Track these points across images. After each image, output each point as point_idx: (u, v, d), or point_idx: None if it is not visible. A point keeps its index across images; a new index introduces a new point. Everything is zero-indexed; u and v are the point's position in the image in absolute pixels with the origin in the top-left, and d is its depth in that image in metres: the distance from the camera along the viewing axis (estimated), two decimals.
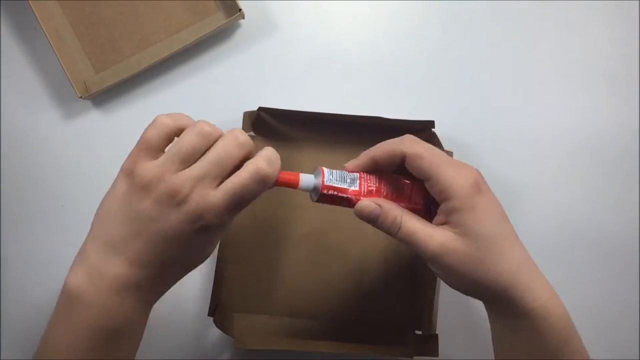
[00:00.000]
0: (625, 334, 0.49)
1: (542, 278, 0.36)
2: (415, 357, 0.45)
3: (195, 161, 0.33)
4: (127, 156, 0.35)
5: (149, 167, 0.33)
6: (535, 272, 0.36)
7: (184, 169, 0.33)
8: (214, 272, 0.47)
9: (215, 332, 0.48)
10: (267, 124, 0.49)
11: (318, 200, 0.36)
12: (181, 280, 0.37)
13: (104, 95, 0.51)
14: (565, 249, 0.50)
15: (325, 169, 0.36)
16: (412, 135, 0.37)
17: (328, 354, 0.47)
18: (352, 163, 0.38)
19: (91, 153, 0.51)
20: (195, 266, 0.36)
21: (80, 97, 0.48)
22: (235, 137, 0.34)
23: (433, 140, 0.47)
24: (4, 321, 0.50)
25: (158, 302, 0.37)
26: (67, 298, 0.35)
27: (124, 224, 0.34)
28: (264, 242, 0.49)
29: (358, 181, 0.37)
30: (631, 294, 0.50)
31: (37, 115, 0.51)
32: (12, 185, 0.51)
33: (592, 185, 0.50)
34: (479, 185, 0.35)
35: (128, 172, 0.34)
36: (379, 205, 0.36)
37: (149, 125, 0.35)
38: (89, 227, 0.51)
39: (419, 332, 0.48)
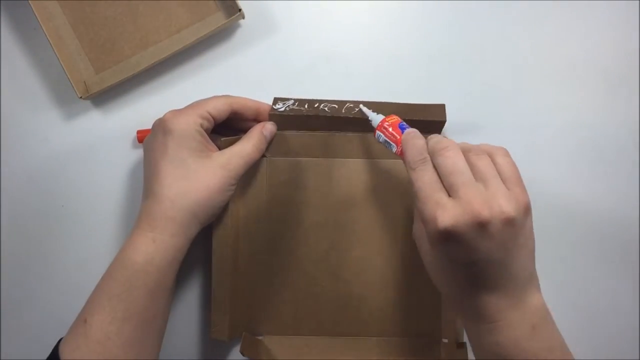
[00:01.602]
0: (625, 333, 0.49)
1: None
2: None
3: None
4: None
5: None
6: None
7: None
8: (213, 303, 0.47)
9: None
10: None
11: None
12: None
13: (104, 95, 0.51)
14: (563, 247, 0.50)
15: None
16: (438, 136, 0.39)
17: None
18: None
19: (91, 153, 0.51)
20: (204, 189, 0.41)
21: (80, 97, 0.48)
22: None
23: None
24: (4, 321, 0.50)
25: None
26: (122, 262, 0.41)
27: (144, 169, 0.44)
28: (282, 263, 0.49)
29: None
30: (631, 293, 0.50)
31: (37, 115, 0.51)
32: (12, 185, 0.51)
33: (591, 185, 0.50)
34: (452, 233, 0.34)
35: (158, 120, 0.45)
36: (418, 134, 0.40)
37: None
38: (89, 227, 0.51)
39: (445, 341, 0.48)
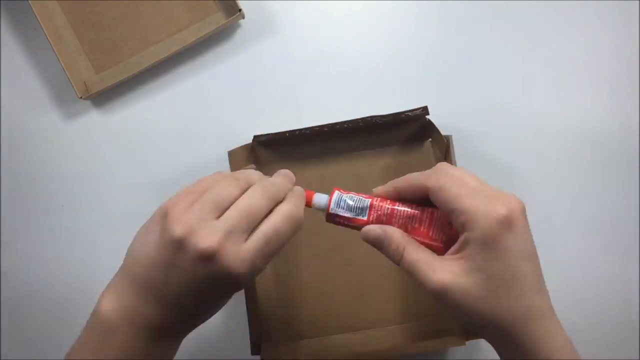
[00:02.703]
0: (624, 333, 0.49)
1: (557, 326, 0.34)
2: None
3: (227, 209, 0.33)
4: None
5: (182, 218, 0.33)
6: (550, 320, 0.34)
7: (217, 217, 0.33)
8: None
9: None
10: (265, 152, 0.49)
11: (327, 221, 0.37)
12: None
13: (104, 96, 0.51)
14: (562, 246, 0.50)
15: (335, 194, 0.36)
16: (446, 164, 0.36)
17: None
18: (378, 189, 0.37)
19: (91, 153, 0.51)
20: (212, 314, 0.37)
21: (81, 97, 0.48)
22: (264, 187, 0.34)
23: (429, 128, 0.47)
24: (4, 321, 0.50)
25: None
26: (99, 326, 0.35)
27: (156, 270, 0.34)
28: (289, 269, 0.49)
29: (368, 210, 0.36)
30: (632, 292, 0.50)
31: (37, 115, 0.51)
32: (13, 185, 0.51)
33: (591, 184, 0.50)
34: (511, 220, 0.32)
35: (163, 213, 0.34)
36: (384, 231, 0.35)
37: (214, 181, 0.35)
38: (89, 227, 0.51)
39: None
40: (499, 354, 0.35)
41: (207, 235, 0.32)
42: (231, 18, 0.48)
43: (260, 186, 0.34)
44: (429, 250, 0.35)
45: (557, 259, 0.50)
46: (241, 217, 0.33)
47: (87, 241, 0.51)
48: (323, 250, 0.48)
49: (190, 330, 0.37)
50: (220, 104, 0.51)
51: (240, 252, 0.32)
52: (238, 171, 0.36)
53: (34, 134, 0.51)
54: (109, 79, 0.50)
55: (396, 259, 0.35)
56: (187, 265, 0.32)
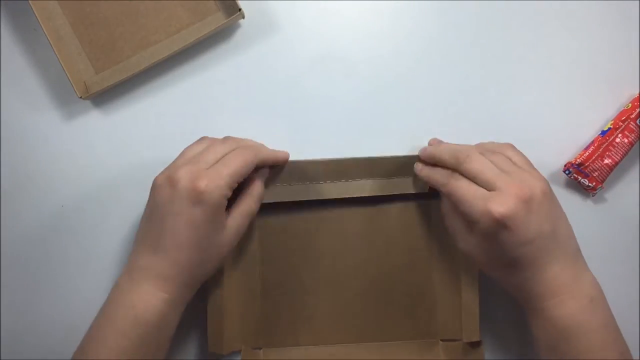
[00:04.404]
0: (624, 332, 0.49)
1: (568, 297, 0.39)
2: None
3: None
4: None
5: (164, 173, 0.42)
6: (560, 292, 0.39)
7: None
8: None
9: None
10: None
11: None
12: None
13: (104, 95, 0.51)
14: None
15: None
16: (470, 150, 0.42)
17: None
18: (422, 151, 0.47)
19: (91, 153, 0.51)
20: (217, 259, 0.42)
21: (80, 97, 0.48)
22: (235, 142, 0.44)
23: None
24: (4, 321, 0.50)
25: None
26: (112, 290, 0.41)
27: (145, 222, 0.42)
28: (276, 275, 0.48)
29: None
30: (632, 292, 0.50)
31: (37, 115, 0.51)
32: (12, 185, 0.51)
33: None
34: (505, 220, 0.37)
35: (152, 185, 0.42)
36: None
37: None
38: (89, 227, 0.51)
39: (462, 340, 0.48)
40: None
41: (176, 170, 0.40)
42: (231, 18, 0.48)
43: (232, 142, 0.44)
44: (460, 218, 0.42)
45: None
46: (208, 155, 0.42)
47: (87, 241, 0.51)
48: (312, 259, 0.48)
49: (189, 287, 0.41)
50: (220, 104, 0.51)
51: (199, 172, 0.40)
52: (221, 138, 0.46)
53: (33, 133, 0.51)
54: (109, 79, 0.50)
55: (446, 176, 0.43)
56: (162, 196, 0.40)
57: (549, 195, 0.39)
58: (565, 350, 0.38)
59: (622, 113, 0.49)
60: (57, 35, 0.50)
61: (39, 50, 0.51)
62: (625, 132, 0.48)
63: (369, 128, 0.51)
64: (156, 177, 0.42)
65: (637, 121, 0.47)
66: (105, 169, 0.51)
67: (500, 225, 0.37)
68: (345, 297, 0.48)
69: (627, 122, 0.48)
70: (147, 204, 0.42)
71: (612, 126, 0.48)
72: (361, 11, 0.52)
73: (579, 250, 0.41)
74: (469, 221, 0.40)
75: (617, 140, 0.48)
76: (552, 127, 0.51)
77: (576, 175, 0.48)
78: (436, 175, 0.44)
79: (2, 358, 0.50)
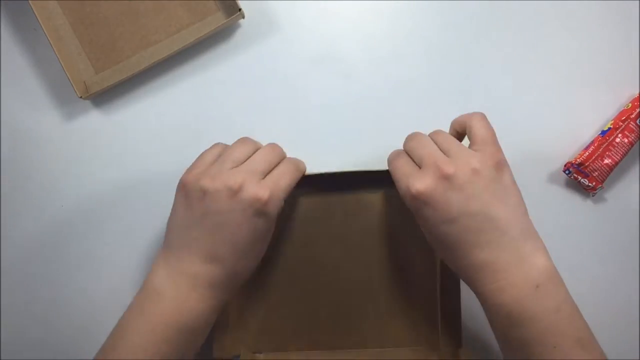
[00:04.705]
0: (624, 332, 0.49)
1: (498, 274, 0.37)
2: None
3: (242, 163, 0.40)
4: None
5: (206, 173, 0.39)
6: (486, 269, 0.37)
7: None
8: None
9: None
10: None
11: None
12: None
13: (104, 95, 0.51)
14: (560, 247, 0.50)
15: None
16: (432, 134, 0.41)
17: None
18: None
19: (91, 153, 0.51)
20: (259, 258, 0.41)
21: (80, 97, 0.48)
22: (272, 147, 0.42)
23: None
24: (4, 321, 0.50)
25: None
26: (148, 293, 0.39)
27: (192, 227, 0.39)
28: (277, 280, 0.48)
29: None
30: (632, 292, 0.50)
31: (37, 115, 0.51)
32: (12, 185, 0.51)
33: None
34: (425, 196, 0.37)
35: (183, 183, 0.40)
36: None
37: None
38: (89, 227, 0.51)
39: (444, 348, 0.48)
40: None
41: (232, 176, 0.38)
42: (231, 18, 0.48)
43: (269, 146, 0.42)
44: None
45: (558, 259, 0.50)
46: (257, 163, 0.40)
47: (87, 241, 0.51)
48: (314, 265, 0.48)
49: (232, 289, 0.41)
50: (220, 104, 0.51)
51: (260, 182, 0.38)
52: (242, 137, 0.43)
53: (33, 133, 0.51)
54: (109, 79, 0.50)
55: (393, 155, 0.42)
56: (221, 204, 0.38)
57: (480, 174, 0.36)
58: (515, 337, 0.37)
59: (622, 113, 0.49)
60: (57, 35, 0.50)
61: (39, 50, 0.51)
62: (625, 132, 0.48)
63: (369, 128, 0.51)
64: (201, 180, 0.38)
65: (637, 121, 0.47)
66: (105, 169, 0.51)
67: (419, 201, 0.37)
68: (346, 302, 0.48)
69: (627, 122, 0.48)
70: (191, 207, 0.39)
71: (612, 126, 0.48)
72: (361, 11, 0.52)
73: (528, 234, 0.37)
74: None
75: (617, 140, 0.48)
76: (552, 127, 0.51)
77: (576, 175, 0.48)
78: (389, 156, 0.43)
79: (2, 358, 0.50)
